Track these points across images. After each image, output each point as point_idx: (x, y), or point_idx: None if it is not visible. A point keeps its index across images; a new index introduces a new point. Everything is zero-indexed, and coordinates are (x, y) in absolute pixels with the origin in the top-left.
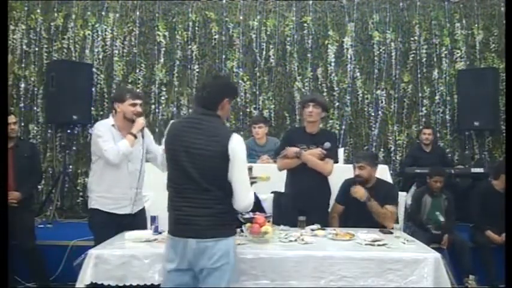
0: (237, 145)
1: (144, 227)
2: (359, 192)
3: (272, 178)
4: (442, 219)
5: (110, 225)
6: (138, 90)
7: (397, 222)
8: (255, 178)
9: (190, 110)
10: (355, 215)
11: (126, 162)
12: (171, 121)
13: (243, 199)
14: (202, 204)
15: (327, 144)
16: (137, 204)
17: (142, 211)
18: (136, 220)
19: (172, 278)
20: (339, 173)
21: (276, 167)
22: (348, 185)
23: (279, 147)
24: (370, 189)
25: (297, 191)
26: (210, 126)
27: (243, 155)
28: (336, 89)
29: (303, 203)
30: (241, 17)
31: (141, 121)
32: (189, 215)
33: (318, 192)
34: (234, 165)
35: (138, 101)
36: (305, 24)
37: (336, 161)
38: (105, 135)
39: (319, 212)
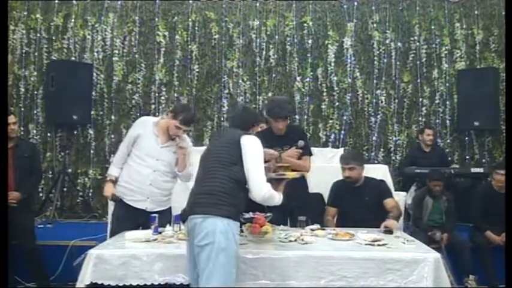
0: (249, 140)
1: None
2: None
3: None
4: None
5: (126, 217)
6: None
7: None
8: (283, 175)
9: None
10: (349, 212)
11: (153, 160)
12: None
13: (257, 190)
14: (204, 184)
15: (301, 143)
16: (157, 205)
17: (162, 213)
18: None
19: (190, 260)
20: (337, 173)
21: None
22: (338, 187)
23: None
24: (359, 188)
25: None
26: (232, 133)
27: (255, 148)
28: (336, 89)
29: (288, 203)
30: (241, 17)
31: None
32: (192, 194)
33: (300, 189)
34: (246, 157)
35: (185, 128)
36: (305, 24)
37: (311, 155)
38: (134, 125)
39: (305, 211)
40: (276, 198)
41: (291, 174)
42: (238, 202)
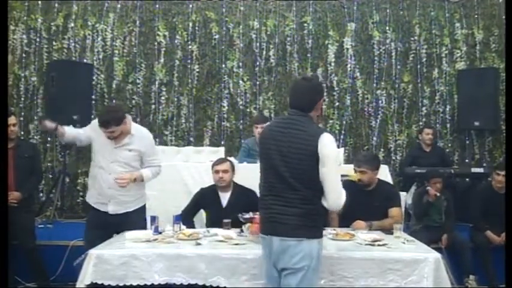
0: (327, 144)
1: (133, 229)
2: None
3: None
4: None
5: (95, 220)
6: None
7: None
8: (346, 176)
9: (190, 110)
10: (356, 214)
11: (108, 162)
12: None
13: (334, 199)
14: (290, 203)
15: None
16: (121, 206)
17: (132, 213)
18: (123, 221)
19: (269, 278)
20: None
21: None
22: (346, 185)
23: None
24: (371, 191)
25: None
26: (301, 127)
27: (333, 154)
28: (336, 89)
29: None
30: (241, 17)
31: None
32: (277, 213)
33: None
34: (325, 165)
35: (105, 130)
36: (305, 24)
37: None
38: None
39: None
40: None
41: (354, 176)
42: (322, 213)
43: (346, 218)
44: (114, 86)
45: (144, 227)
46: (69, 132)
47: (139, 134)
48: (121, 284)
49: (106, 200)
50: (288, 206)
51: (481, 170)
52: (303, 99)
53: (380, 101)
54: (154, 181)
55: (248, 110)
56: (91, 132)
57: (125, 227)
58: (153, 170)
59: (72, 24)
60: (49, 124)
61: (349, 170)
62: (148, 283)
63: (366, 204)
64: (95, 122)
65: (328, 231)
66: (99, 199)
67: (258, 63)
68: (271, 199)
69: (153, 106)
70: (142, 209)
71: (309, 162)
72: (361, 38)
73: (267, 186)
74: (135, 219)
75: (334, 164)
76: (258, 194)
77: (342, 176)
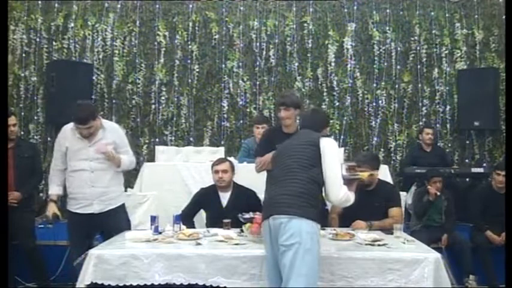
0: (328, 142)
1: (118, 227)
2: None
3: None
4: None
5: (78, 226)
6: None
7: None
8: (356, 174)
9: (190, 110)
10: (356, 214)
11: (87, 162)
12: None
13: (335, 193)
14: (285, 184)
15: None
16: (105, 204)
17: (114, 211)
18: (107, 220)
19: (271, 278)
20: None
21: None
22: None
23: (258, 147)
24: (371, 191)
25: None
26: (307, 131)
27: (333, 151)
28: (336, 88)
29: None
30: (241, 17)
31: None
32: (273, 195)
33: None
34: (326, 160)
35: (81, 127)
36: (305, 24)
37: None
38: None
39: None
40: (351, 199)
41: (364, 174)
42: (318, 204)
43: (346, 218)
44: (114, 86)
45: (129, 226)
46: (61, 184)
47: (110, 126)
48: (121, 284)
49: (90, 200)
50: (283, 187)
51: (481, 170)
52: (311, 125)
53: (380, 101)
54: (154, 181)
55: (248, 110)
56: (61, 146)
57: (110, 225)
58: (128, 157)
59: (72, 24)
60: (52, 212)
61: None
62: (148, 283)
63: (366, 204)
64: (64, 130)
65: (328, 231)
66: (83, 203)
67: (258, 63)
68: (272, 188)
69: (153, 106)
70: (123, 207)
71: (309, 148)
72: (361, 38)
73: (271, 179)
74: (119, 216)
75: (334, 160)
76: (260, 196)
77: (352, 174)
